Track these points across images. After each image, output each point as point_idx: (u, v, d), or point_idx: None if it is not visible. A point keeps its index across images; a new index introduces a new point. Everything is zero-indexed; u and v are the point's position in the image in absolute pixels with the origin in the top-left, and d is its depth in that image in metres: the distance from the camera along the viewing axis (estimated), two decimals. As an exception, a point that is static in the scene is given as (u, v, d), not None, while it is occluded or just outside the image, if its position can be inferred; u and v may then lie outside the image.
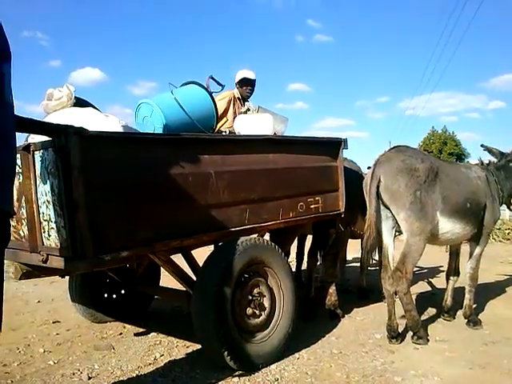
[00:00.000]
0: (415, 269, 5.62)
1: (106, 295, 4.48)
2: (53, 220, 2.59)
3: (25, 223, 2.81)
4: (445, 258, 4.86)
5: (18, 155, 2.67)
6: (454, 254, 4.61)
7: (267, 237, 4.42)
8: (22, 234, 2.87)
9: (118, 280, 4.30)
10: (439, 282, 5.77)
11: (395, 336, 3.83)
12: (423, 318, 4.35)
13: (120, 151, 2.73)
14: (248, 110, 4.60)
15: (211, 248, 3.58)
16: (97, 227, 2.55)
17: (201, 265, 3.35)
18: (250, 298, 3.32)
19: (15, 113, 1.86)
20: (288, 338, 3.51)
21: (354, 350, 3.68)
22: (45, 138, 2.57)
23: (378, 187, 3.78)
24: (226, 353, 3.07)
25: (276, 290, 3.51)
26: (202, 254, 3.52)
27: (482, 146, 4.60)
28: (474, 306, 4.39)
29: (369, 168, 4.60)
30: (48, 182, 2.56)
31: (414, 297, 4.03)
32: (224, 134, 4.09)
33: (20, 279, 3.28)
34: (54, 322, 4.53)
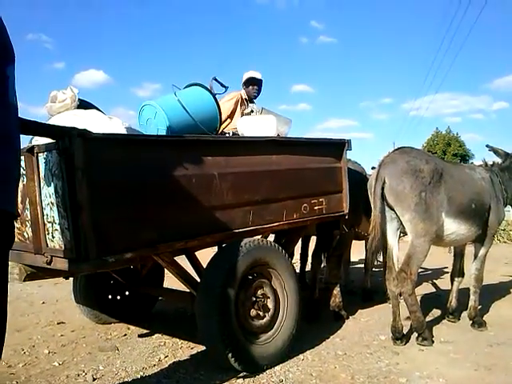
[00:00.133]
0: (420, 270, 5.61)
1: (110, 296, 4.49)
2: (57, 222, 2.60)
3: (29, 225, 2.82)
4: (449, 259, 4.85)
5: (22, 157, 2.68)
6: (459, 256, 4.59)
7: (271, 238, 4.42)
8: (26, 236, 2.88)
9: (122, 281, 4.30)
10: (444, 283, 5.76)
11: (400, 337, 3.82)
12: (428, 319, 4.34)
13: (124, 153, 2.73)
14: (251, 111, 4.61)
15: (215, 249, 3.59)
16: (101, 229, 2.56)
17: (204, 266, 3.35)
18: (254, 299, 3.32)
19: (19, 115, 1.87)
20: (292, 339, 3.51)
21: (358, 351, 3.67)
22: (49, 140, 2.58)
23: (382, 188, 3.77)
24: (230, 354, 3.07)
25: (280, 291, 3.50)
26: (205, 255, 3.52)
27: (487, 146, 4.59)
28: (479, 307, 4.36)
29: (373, 169, 4.60)
30: (52, 183, 2.56)
31: (418, 298, 4.02)
32: (227, 135, 4.09)
33: (24, 280, 3.29)
34: (58, 323, 4.54)
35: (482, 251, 4.29)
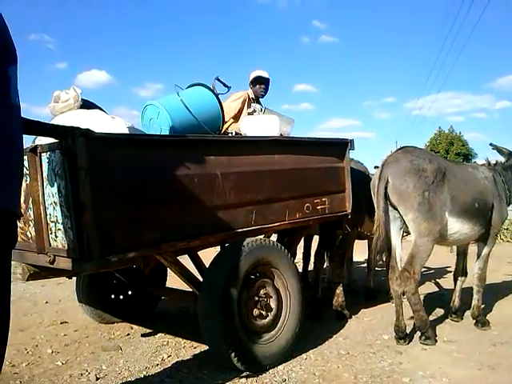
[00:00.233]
0: (423, 269, 5.60)
1: (113, 296, 4.49)
2: (60, 221, 2.60)
3: (32, 224, 2.82)
4: (452, 258, 4.84)
5: (25, 157, 2.69)
6: (462, 255, 4.59)
7: (274, 238, 4.42)
8: (30, 236, 2.89)
9: (125, 281, 4.31)
10: (447, 282, 5.74)
11: (403, 337, 3.81)
12: (431, 318, 4.33)
13: (126, 153, 2.73)
14: (254, 111, 4.60)
15: (217, 249, 3.59)
16: (103, 228, 2.56)
17: (207, 266, 3.35)
18: (257, 298, 3.32)
19: (21, 115, 1.87)
20: (295, 338, 3.51)
21: (361, 350, 3.67)
22: (52, 140, 2.58)
23: (386, 188, 3.76)
24: (232, 354, 3.07)
25: (283, 290, 3.50)
26: (208, 255, 3.52)
27: (490, 144, 4.59)
28: (482, 306, 4.36)
29: (376, 168, 4.59)
30: (55, 183, 2.57)
31: (421, 298, 4.01)
32: (230, 135, 4.09)
33: (27, 280, 3.29)
34: (61, 323, 4.54)
35: (485, 250, 4.28)
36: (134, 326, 4.37)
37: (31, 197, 2.74)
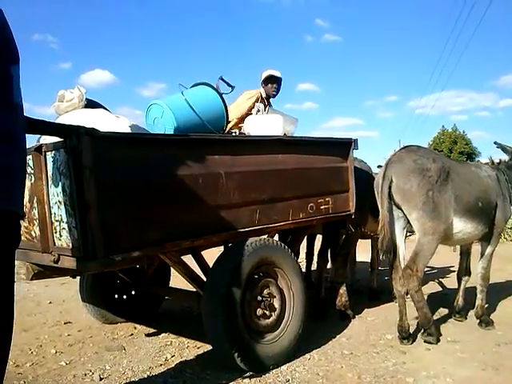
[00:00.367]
0: (426, 269, 5.59)
1: (116, 296, 4.49)
2: (64, 220, 2.60)
3: (36, 224, 2.82)
4: (456, 258, 4.83)
5: (30, 156, 2.70)
6: (465, 254, 4.58)
7: (276, 237, 4.41)
8: (34, 235, 2.89)
9: (129, 281, 4.32)
10: (450, 282, 5.74)
11: (406, 337, 3.80)
12: (435, 318, 4.32)
13: (131, 152, 2.73)
14: (258, 110, 4.59)
15: (221, 249, 3.59)
16: (108, 227, 2.56)
17: (211, 266, 3.35)
18: (260, 298, 3.32)
19: (25, 114, 1.88)
20: (298, 338, 3.50)
21: (365, 350, 3.67)
22: (57, 139, 2.58)
23: (389, 187, 3.76)
24: (236, 354, 3.07)
25: (286, 290, 3.49)
26: (211, 255, 3.52)
27: (495, 143, 4.58)
28: (486, 306, 4.35)
29: (379, 167, 4.59)
30: (60, 182, 2.57)
31: (425, 297, 4.00)
32: (234, 134, 4.09)
33: (32, 279, 3.30)
34: (65, 323, 4.55)
35: (488, 250, 4.28)
36: (138, 326, 4.37)
37: (36, 196, 2.75)
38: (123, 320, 4.48)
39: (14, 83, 1.74)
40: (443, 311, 4.69)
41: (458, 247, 4.63)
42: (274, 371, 3.26)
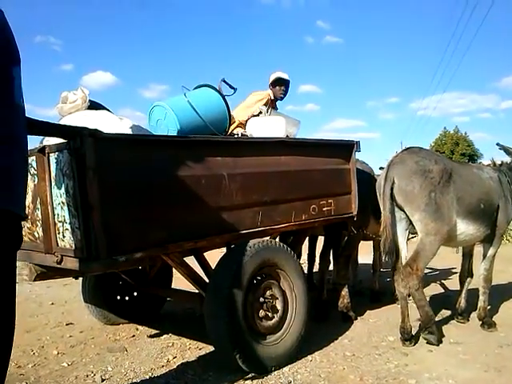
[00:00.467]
0: (428, 270, 5.58)
1: (118, 297, 4.49)
2: (67, 221, 2.61)
3: (39, 224, 2.83)
4: (458, 259, 4.83)
5: (34, 157, 2.70)
6: (467, 256, 4.57)
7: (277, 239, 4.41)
8: (37, 235, 2.89)
9: (131, 282, 4.31)
10: (452, 283, 5.72)
11: (409, 338, 3.80)
12: (437, 319, 4.31)
13: (134, 153, 2.74)
14: (260, 112, 4.59)
15: (223, 250, 3.59)
16: (111, 228, 2.56)
17: (213, 267, 3.35)
18: (263, 300, 3.32)
19: (27, 116, 1.88)
20: (300, 340, 3.50)
21: (367, 352, 3.66)
22: (60, 141, 2.59)
23: (391, 189, 3.76)
24: (238, 355, 3.07)
25: (288, 292, 3.50)
26: (214, 256, 3.52)
27: (497, 144, 4.57)
28: (489, 307, 4.35)
29: (381, 169, 4.59)
30: (63, 183, 2.57)
31: (427, 298, 4.00)
32: (236, 136, 4.09)
33: (34, 280, 3.30)
34: (67, 324, 4.56)
35: (490, 251, 4.27)
36: (140, 328, 4.37)
37: (39, 197, 2.75)
38: (125, 321, 4.48)
39: (16, 84, 1.75)
40: (445, 313, 4.69)
41: (461, 249, 4.63)
42: (275, 373, 3.26)
